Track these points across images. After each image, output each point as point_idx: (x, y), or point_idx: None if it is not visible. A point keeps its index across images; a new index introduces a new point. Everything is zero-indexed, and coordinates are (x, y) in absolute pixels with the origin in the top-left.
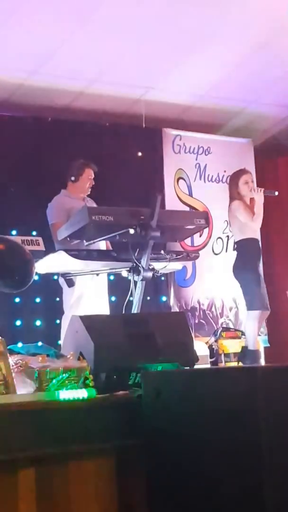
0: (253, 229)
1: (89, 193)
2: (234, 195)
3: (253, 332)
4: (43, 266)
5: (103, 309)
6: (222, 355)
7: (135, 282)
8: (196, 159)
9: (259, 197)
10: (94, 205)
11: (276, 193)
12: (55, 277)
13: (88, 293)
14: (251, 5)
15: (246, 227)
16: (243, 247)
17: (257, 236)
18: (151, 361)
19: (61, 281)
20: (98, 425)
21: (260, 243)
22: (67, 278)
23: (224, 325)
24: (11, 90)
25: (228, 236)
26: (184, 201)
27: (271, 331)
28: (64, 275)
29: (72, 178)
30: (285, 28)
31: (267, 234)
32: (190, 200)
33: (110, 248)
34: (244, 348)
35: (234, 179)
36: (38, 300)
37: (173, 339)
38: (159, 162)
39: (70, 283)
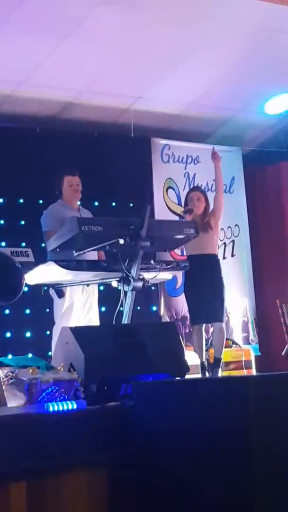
0: (198, 244)
1: (79, 196)
2: (187, 210)
3: (196, 346)
4: (33, 277)
5: (94, 319)
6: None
7: (125, 292)
8: (185, 168)
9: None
10: (90, 215)
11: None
12: (45, 288)
13: (78, 304)
14: (238, 15)
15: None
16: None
17: (207, 251)
18: (142, 371)
19: (52, 292)
20: (89, 437)
21: (216, 257)
22: (57, 289)
23: None
24: None
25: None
26: (174, 210)
27: (262, 340)
28: (54, 286)
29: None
30: (271, 37)
31: (257, 245)
32: (179, 210)
33: (104, 258)
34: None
35: (186, 196)
36: (28, 311)
37: (164, 349)
38: (148, 171)
39: (60, 294)
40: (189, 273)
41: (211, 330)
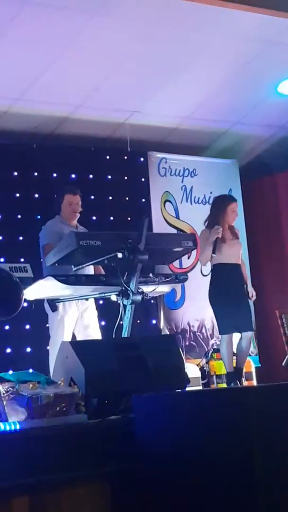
0: (224, 254)
1: (78, 216)
2: (219, 220)
3: (225, 355)
4: (32, 292)
5: (93, 337)
6: (214, 377)
7: (125, 306)
8: (182, 181)
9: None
10: None
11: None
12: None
13: (71, 318)
14: (231, 28)
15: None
16: (215, 271)
17: (233, 260)
18: (142, 385)
19: (46, 306)
20: (91, 451)
21: (240, 267)
22: (50, 303)
23: (215, 346)
24: None
25: None
26: (172, 223)
27: (262, 351)
28: (49, 300)
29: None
30: (265, 48)
31: (255, 256)
32: (177, 223)
33: (103, 272)
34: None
35: (221, 205)
36: (27, 326)
37: (164, 362)
38: (145, 185)
39: (54, 308)
40: (217, 281)
41: (211, 342)
